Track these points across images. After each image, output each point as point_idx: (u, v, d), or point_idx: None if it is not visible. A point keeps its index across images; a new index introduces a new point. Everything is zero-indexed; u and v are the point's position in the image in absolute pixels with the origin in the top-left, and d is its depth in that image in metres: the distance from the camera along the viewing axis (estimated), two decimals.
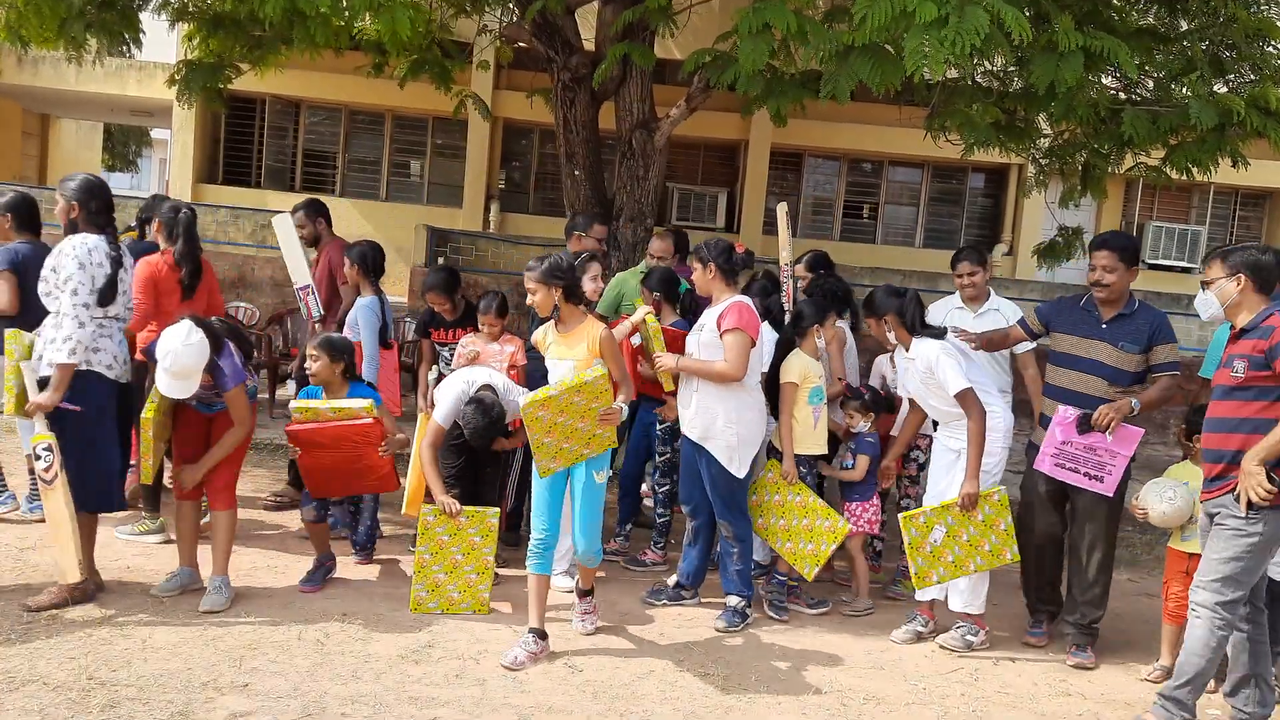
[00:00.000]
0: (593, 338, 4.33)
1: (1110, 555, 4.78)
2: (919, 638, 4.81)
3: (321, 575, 4.92)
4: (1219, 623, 3.89)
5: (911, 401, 5.03)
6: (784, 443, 4.90)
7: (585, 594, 4.62)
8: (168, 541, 5.19)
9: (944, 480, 4.81)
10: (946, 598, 4.81)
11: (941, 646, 4.74)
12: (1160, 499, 4.48)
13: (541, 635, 4.25)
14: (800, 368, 4.93)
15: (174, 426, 4.62)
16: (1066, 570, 4.91)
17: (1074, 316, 4.76)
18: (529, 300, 4.39)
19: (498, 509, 4.85)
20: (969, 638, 4.75)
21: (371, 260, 5.66)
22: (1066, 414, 4.62)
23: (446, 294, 5.68)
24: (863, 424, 5.19)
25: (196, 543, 4.69)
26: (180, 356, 4.22)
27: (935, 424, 4.96)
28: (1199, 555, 4.49)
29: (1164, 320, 4.63)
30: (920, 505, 4.96)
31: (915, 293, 4.82)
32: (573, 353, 4.36)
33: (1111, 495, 4.62)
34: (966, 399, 4.55)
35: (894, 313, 4.76)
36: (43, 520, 4.94)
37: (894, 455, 5.19)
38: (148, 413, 4.41)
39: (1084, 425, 4.57)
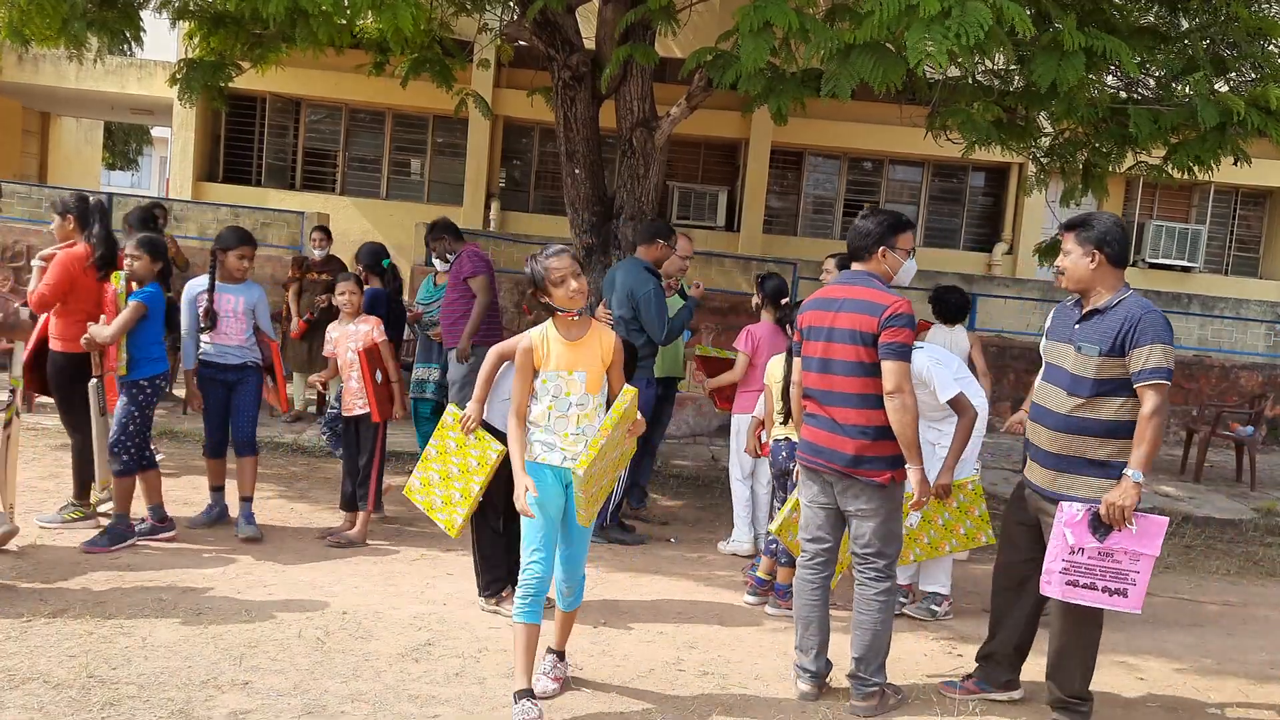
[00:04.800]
0: (606, 346, 3.77)
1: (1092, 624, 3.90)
2: (900, 608, 5.07)
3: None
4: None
5: None
6: None
7: (559, 655, 4.04)
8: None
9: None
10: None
11: (909, 615, 5.09)
12: None
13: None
14: None
15: None
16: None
17: (1060, 317, 4.03)
18: (565, 292, 3.69)
19: (503, 448, 4.27)
20: (933, 607, 5.15)
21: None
22: (1074, 513, 3.67)
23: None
24: None
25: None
26: None
27: None
28: None
29: (1148, 318, 3.64)
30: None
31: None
32: (584, 362, 3.74)
33: (1139, 610, 3.75)
34: (959, 403, 4.68)
35: None
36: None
37: None
38: None
39: (1097, 524, 3.65)
